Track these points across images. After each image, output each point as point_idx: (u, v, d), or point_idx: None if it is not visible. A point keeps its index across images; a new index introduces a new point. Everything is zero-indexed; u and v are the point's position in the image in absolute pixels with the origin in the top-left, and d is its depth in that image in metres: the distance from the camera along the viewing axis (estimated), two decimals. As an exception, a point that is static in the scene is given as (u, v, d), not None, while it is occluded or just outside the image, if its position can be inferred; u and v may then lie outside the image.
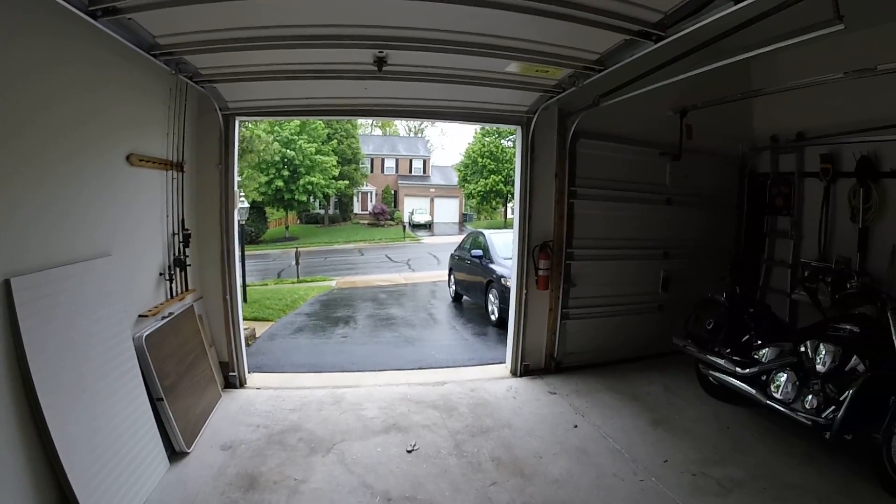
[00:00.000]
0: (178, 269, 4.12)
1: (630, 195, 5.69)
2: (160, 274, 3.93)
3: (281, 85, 4.00)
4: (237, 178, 4.85)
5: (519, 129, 5.30)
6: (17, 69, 2.47)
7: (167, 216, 4.01)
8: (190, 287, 4.35)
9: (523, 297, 5.36)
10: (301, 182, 27.22)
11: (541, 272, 5.28)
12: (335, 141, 31.00)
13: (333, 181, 29.60)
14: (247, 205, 11.64)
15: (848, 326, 3.86)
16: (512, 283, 5.61)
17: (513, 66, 3.78)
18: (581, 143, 5.33)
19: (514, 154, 5.24)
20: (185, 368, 3.97)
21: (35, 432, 2.49)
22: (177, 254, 4.12)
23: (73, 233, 2.93)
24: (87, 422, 2.80)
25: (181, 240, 4.16)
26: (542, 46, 3.42)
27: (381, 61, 3.53)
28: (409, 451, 3.80)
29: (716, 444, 3.97)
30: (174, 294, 4.08)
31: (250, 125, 9.88)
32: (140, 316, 3.58)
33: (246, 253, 22.15)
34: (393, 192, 38.57)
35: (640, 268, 5.87)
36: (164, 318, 3.86)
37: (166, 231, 4.03)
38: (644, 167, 5.72)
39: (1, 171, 2.39)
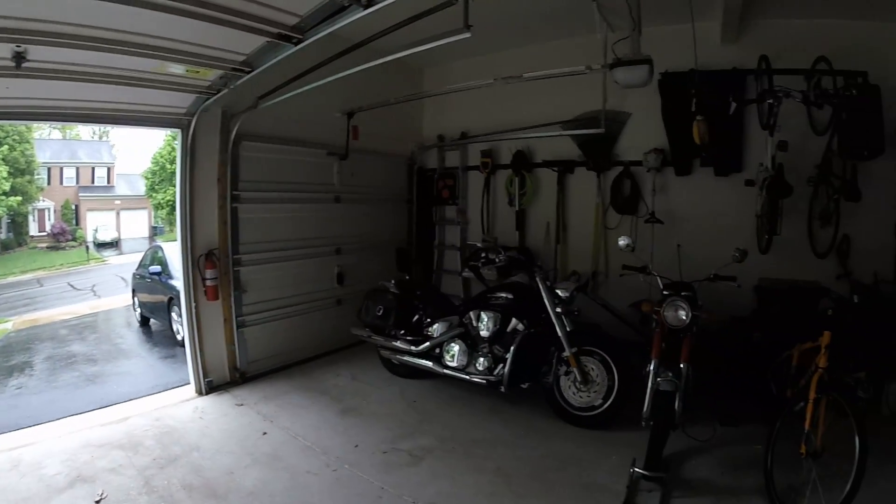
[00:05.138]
0: None
1: (298, 196, 5.72)
2: None
3: None
4: None
5: (179, 132, 4.81)
6: None
7: None
8: None
9: (194, 310, 4.93)
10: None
11: (209, 282, 4.92)
12: (5, 147, 23.47)
13: (4, 197, 22.74)
14: None
15: (503, 294, 4.39)
16: (181, 298, 5.09)
17: (166, 67, 3.59)
18: (244, 146, 5.15)
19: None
20: None
21: None
22: None
23: None
24: None
25: None
26: (192, 47, 3.36)
27: (20, 57, 3.13)
28: (97, 503, 3.18)
29: (403, 420, 4.22)
30: None
31: None
32: None
33: None
34: (74, 207, 30.83)
35: (316, 266, 5.94)
36: None
37: None
38: (312, 168, 5.84)
39: None
